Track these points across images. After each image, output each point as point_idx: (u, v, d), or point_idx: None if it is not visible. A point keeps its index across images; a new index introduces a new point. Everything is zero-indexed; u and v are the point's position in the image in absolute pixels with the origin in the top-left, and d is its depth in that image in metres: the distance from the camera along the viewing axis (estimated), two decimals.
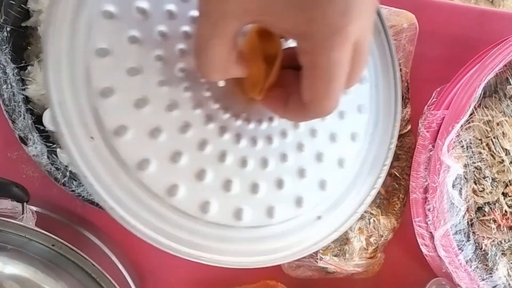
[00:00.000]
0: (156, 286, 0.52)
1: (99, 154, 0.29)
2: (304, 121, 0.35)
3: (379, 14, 0.39)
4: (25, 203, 0.37)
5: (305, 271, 0.53)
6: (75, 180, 0.38)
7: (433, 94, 0.50)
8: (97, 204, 0.39)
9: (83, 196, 0.38)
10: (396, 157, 0.51)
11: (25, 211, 0.37)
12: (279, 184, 0.34)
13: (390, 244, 0.53)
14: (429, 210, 0.48)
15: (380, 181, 0.38)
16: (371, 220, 0.50)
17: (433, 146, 0.48)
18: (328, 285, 0.53)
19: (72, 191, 0.38)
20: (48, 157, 0.38)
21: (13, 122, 0.38)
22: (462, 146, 0.47)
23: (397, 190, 0.51)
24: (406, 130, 0.51)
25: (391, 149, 0.39)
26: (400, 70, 0.51)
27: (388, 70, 0.40)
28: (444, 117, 0.48)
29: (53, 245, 0.35)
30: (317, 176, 0.35)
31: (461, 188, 0.48)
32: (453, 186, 0.48)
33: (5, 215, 0.37)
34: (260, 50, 0.31)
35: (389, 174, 0.51)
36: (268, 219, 0.33)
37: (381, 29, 0.40)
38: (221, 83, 0.33)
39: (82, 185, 0.38)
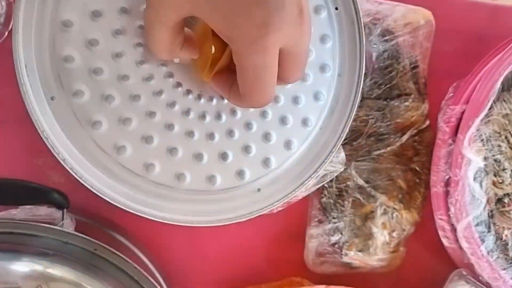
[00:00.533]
0: (183, 286, 0.53)
1: (58, 112, 0.35)
2: (244, 107, 0.37)
3: (355, 4, 0.41)
4: (65, 209, 0.37)
5: (329, 267, 0.54)
6: None
7: (450, 90, 0.51)
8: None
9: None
10: (416, 152, 0.52)
11: (64, 217, 0.37)
12: (223, 156, 0.38)
13: (411, 238, 0.54)
14: (451, 203, 0.49)
15: (323, 166, 0.40)
16: (394, 215, 0.51)
17: (453, 141, 0.49)
18: (352, 280, 0.53)
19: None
20: None
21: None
22: (482, 140, 0.48)
23: (418, 184, 0.52)
24: (425, 125, 0.52)
25: (341, 137, 0.41)
26: (418, 66, 0.52)
27: (355, 61, 0.41)
28: (463, 112, 0.49)
29: (95, 250, 0.36)
30: (261, 153, 0.39)
31: (481, 181, 0.49)
32: (474, 179, 0.49)
33: (44, 221, 0.37)
34: (212, 36, 0.33)
35: (410, 169, 0.52)
36: (209, 185, 0.38)
37: (354, 20, 0.41)
38: (176, 60, 0.37)
39: None
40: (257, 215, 0.40)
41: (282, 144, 0.40)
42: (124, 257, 0.36)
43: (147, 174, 0.36)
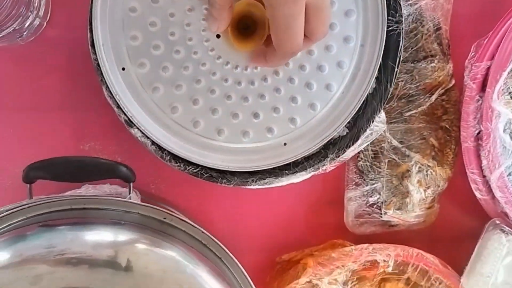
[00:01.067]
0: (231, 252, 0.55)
1: (127, 80, 0.42)
2: (280, 64, 0.43)
3: None
4: (131, 183, 0.39)
5: (368, 227, 0.56)
6: (179, 157, 0.42)
7: (472, 48, 0.53)
8: (201, 176, 0.41)
9: (188, 170, 0.41)
10: (444, 111, 0.54)
11: (131, 191, 0.39)
12: (255, 115, 0.44)
13: (444, 194, 0.57)
14: (484, 155, 0.51)
15: (343, 125, 0.45)
16: (428, 172, 0.54)
17: (481, 97, 0.52)
18: (390, 238, 0.55)
19: (178, 166, 0.41)
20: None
21: (117, 107, 0.40)
22: (510, 93, 0.50)
23: (448, 141, 0.55)
24: (451, 85, 0.54)
25: (360, 101, 0.45)
26: (441, 28, 0.54)
27: (377, 32, 0.44)
28: (487, 68, 0.51)
29: (164, 218, 0.38)
30: (288, 113, 0.45)
31: (511, 132, 0.51)
32: (504, 130, 0.51)
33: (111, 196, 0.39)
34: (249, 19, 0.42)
35: (440, 127, 0.54)
36: (242, 139, 0.44)
37: None
38: (216, 35, 0.43)
39: (185, 160, 0.41)
40: (281, 164, 0.45)
41: (307, 106, 0.45)
42: (192, 223, 0.38)
43: (194, 128, 0.44)
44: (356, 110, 0.44)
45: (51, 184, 0.41)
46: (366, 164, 0.53)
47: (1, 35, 0.47)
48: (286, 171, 0.43)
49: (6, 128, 0.51)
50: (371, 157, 0.53)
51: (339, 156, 0.43)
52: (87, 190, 0.41)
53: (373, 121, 0.42)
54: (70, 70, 0.51)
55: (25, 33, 0.50)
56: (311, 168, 0.43)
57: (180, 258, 0.36)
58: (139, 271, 0.35)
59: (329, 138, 0.44)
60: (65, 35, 0.51)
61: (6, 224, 0.37)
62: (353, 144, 0.43)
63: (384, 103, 0.42)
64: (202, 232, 0.39)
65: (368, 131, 0.43)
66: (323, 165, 0.42)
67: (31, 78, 0.51)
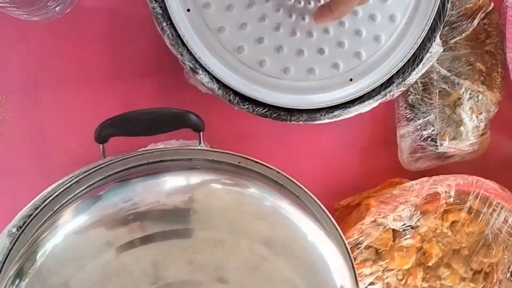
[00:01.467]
0: None
1: (192, 21, 0.42)
2: (345, 11, 0.40)
3: None
4: (201, 133, 0.39)
5: (424, 162, 0.55)
6: (246, 99, 0.42)
7: None
8: (270, 116, 0.41)
9: (257, 111, 0.41)
10: (487, 35, 0.54)
11: (201, 140, 0.39)
12: (320, 51, 0.44)
13: (494, 121, 0.56)
14: None
15: (408, 57, 0.44)
16: (479, 97, 0.53)
17: None
18: (444, 171, 0.55)
19: (246, 108, 0.41)
20: (217, 81, 0.40)
21: (181, 55, 0.40)
22: None
23: (494, 65, 0.54)
24: (490, 8, 0.54)
25: (425, 30, 0.44)
26: None
27: None
28: None
29: (239, 162, 0.37)
30: (353, 47, 0.44)
31: None
32: None
33: None
34: None
35: (485, 51, 0.54)
36: (309, 76, 0.44)
37: None
38: None
39: (252, 101, 0.41)
40: (348, 100, 0.44)
41: (371, 38, 0.44)
42: (267, 164, 0.38)
43: (260, 68, 0.43)
44: (421, 41, 0.43)
45: (115, 147, 0.41)
46: (417, 98, 0.53)
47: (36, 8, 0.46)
48: (354, 102, 0.42)
49: (52, 105, 0.51)
50: (421, 89, 0.53)
51: (405, 80, 0.42)
52: (155, 146, 0.40)
53: (434, 40, 0.42)
54: (110, 39, 0.50)
55: (57, 8, 0.49)
56: (378, 95, 0.42)
57: (259, 193, 0.36)
58: (218, 210, 0.34)
59: (395, 71, 0.43)
60: (101, 4, 0.50)
61: (85, 186, 0.36)
62: (417, 66, 0.42)
63: (443, 20, 0.41)
64: (278, 172, 0.38)
65: (428, 54, 0.42)
66: (390, 91, 0.42)
67: (71, 51, 0.50)
